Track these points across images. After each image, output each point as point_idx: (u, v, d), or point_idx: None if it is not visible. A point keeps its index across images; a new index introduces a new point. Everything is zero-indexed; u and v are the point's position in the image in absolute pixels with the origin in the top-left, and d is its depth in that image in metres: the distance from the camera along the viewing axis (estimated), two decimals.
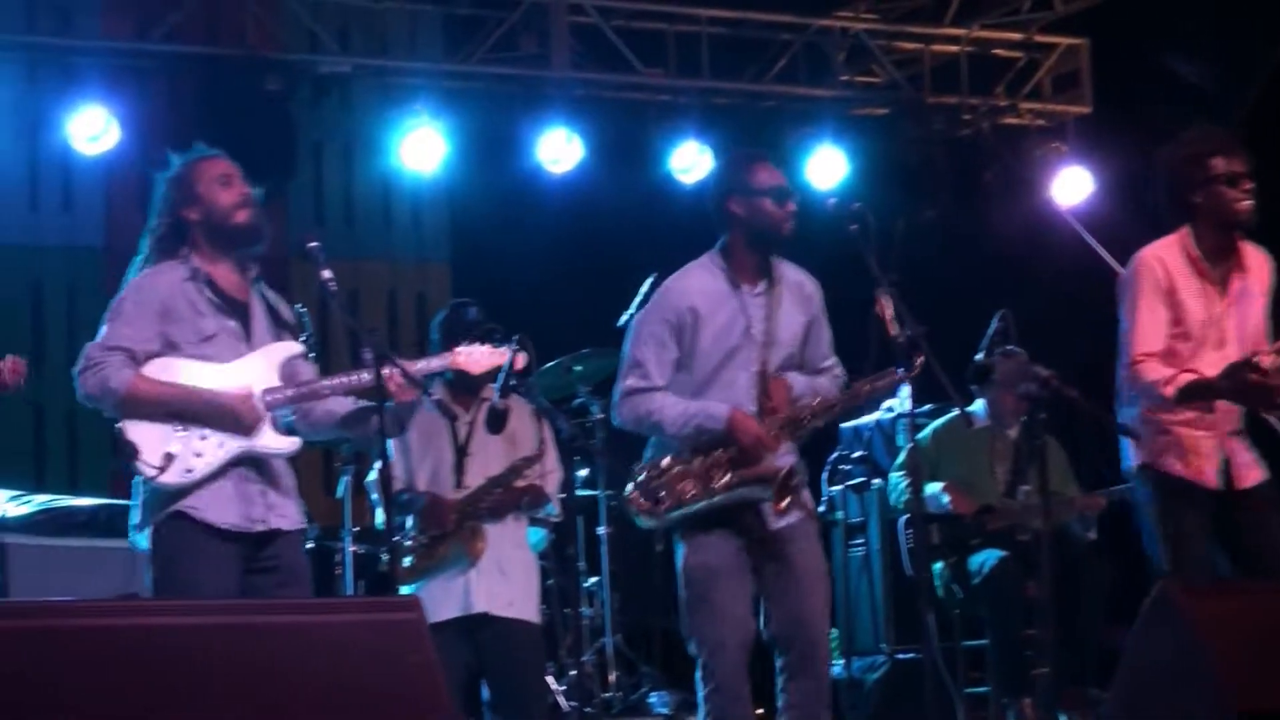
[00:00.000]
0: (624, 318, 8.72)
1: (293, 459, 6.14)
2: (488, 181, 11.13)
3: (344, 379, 6.05)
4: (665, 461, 6.40)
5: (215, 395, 5.91)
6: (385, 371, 5.92)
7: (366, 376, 5.96)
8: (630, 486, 6.44)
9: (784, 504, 6.33)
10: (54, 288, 10.56)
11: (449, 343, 7.37)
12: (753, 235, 6.46)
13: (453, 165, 10.87)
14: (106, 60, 10.42)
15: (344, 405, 6.17)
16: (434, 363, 6.24)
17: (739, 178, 6.52)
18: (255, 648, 4.48)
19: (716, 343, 6.41)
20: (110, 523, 8.15)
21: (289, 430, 6.08)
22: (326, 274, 6.05)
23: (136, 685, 4.28)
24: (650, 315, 6.53)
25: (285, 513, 6.06)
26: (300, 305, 6.29)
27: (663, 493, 6.39)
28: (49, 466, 10.37)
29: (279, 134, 10.25)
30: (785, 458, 6.42)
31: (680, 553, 6.45)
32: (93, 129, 10.06)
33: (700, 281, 6.48)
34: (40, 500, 8.27)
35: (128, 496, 6.66)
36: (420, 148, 10.74)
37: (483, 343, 6.37)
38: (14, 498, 8.25)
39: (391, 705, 4.50)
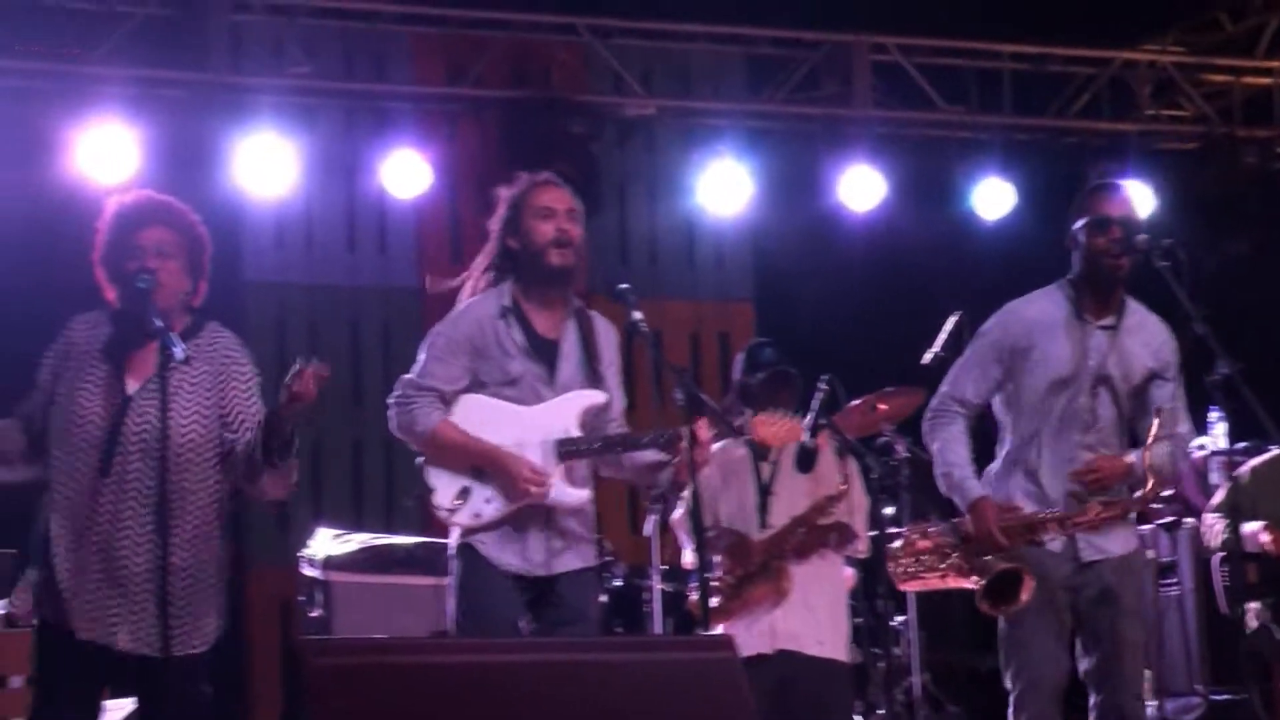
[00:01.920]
0: (928, 355, 8.70)
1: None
2: (790, 220, 11.17)
3: (640, 436, 6.12)
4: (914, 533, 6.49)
5: (506, 463, 6.01)
6: (686, 433, 5.98)
7: (661, 432, 6.03)
8: (891, 551, 6.55)
9: (996, 608, 6.30)
10: (371, 327, 10.80)
11: (747, 383, 7.42)
12: (1084, 266, 6.43)
13: (755, 204, 10.96)
14: (418, 105, 10.70)
15: (642, 456, 6.24)
16: (736, 425, 6.30)
17: (1077, 206, 6.49)
18: (571, 685, 4.54)
19: (1046, 370, 6.37)
20: (426, 560, 8.30)
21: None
22: (637, 315, 6.09)
23: (474, 718, 4.38)
24: (982, 336, 6.54)
25: (567, 558, 6.12)
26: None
27: (909, 568, 6.50)
28: (366, 503, 10.58)
29: (584, 175, 10.37)
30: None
31: None
32: (405, 173, 10.35)
33: (1040, 309, 6.45)
34: (361, 539, 8.44)
35: (440, 533, 6.78)
36: (723, 187, 10.85)
37: (779, 404, 6.44)
38: (337, 536, 8.44)
39: None
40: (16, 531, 5.83)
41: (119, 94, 9.77)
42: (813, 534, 7.35)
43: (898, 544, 6.66)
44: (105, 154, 9.60)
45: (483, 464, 6.05)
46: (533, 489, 5.99)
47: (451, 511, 6.04)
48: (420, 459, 6.17)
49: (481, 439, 6.06)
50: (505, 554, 6.03)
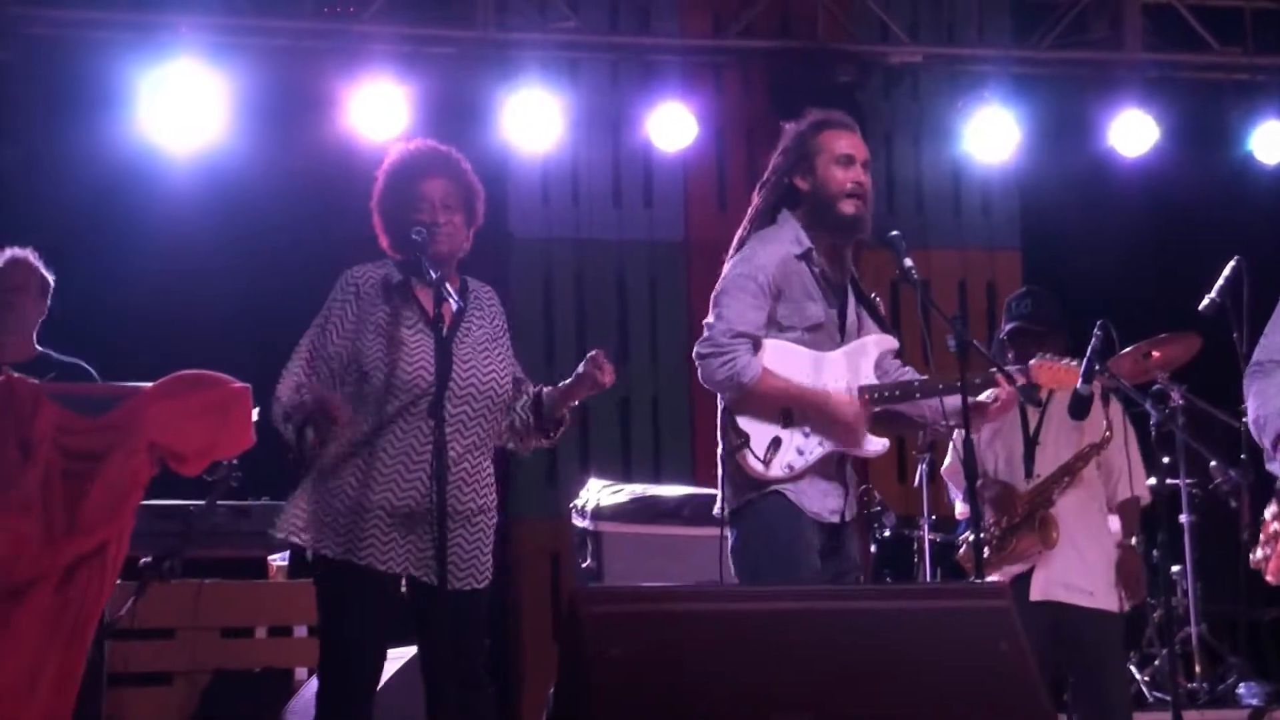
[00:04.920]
0: (1205, 301, 8.53)
1: None
2: (1058, 166, 11.01)
3: (938, 383, 6.04)
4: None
5: (830, 404, 5.92)
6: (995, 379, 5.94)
7: (956, 384, 5.94)
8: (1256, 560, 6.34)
9: None
10: (637, 281, 10.85)
11: (1014, 333, 7.33)
12: None
13: (1023, 150, 10.83)
14: (684, 57, 10.73)
15: (928, 404, 6.17)
16: (1013, 372, 6.21)
17: None
18: (848, 632, 4.55)
19: None
20: (694, 513, 8.33)
21: None
22: (908, 262, 6.01)
23: (749, 665, 4.41)
24: None
25: (851, 506, 6.09)
26: (874, 295, 6.31)
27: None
28: (635, 456, 10.65)
29: None
30: None
31: None
32: (671, 126, 10.38)
33: None
34: (631, 490, 8.48)
35: (709, 484, 6.77)
36: (990, 134, 10.74)
37: (1061, 355, 6.33)
38: (607, 487, 8.49)
39: (984, 691, 4.50)
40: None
41: (389, 52, 9.94)
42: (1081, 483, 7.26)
43: (1261, 549, 6.42)
44: (376, 111, 9.77)
45: (808, 409, 5.92)
46: (858, 431, 5.91)
47: (766, 464, 5.91)
48: (732, 413, 5.99)
49: (804, 384, 5.93)
50: (812, 500, 5.93)
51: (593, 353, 5.72)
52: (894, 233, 6.06)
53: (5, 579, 5.72)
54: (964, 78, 11.08)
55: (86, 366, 7.37)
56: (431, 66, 10.08)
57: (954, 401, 6.00)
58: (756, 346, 5.93)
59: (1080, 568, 7.19)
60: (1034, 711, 4.51)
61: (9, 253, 7.57)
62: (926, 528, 8.85)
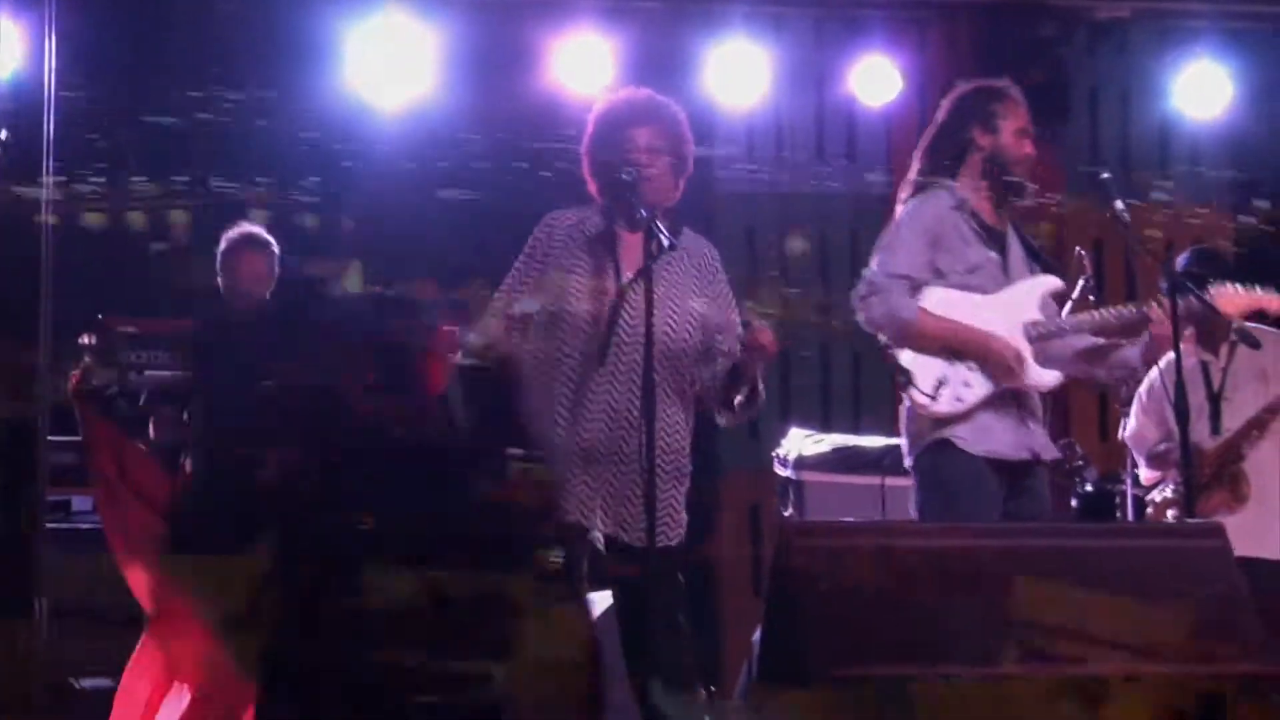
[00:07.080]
0: None
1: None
2: (1275, 125, 10.81)
3: (1109, 313, 6.12)
4: None
5: (986, 341, 6.10)
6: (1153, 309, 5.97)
7: (1130, 311, 6.03)
8: None
9: None
10: (838, 235, 10.85)
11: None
12: None
13: (1236, 109, 10.63)
14: (888, 11, 10.66)
15: (1083, 341, 6.25)
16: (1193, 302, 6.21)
17: None
18: (1059, 569, 4.53)
19: None
20: (896, 463, 8.34)
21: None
22: (1120, 205, 6.10)
23: (955, 599, 4.41)
24: None
25: (1042, 442, 6.22)
26: (1079, 249, 6.38)
27: None
28: (834, 407, 10.66)
29: (1053, 80, 10.26)
30: None
31: None
32: (875, 80, 10.32)
33: None
34: (833, 439, 8.53)
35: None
36: (1201, 92, 10.55)
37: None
38: (809, 437, 8.54)
39: (1199, 632, 4.45)
40: None
41: (595, 5, 9.96)
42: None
43: None
44: (582, 64, 9.78)
45: (963, 346, 6.10)
46: (1015, 367, 6.04)
47: (932, 399, 6.07)
48: (893, 350, 6.20)
49: (960, 322, 6.10)
50: (983, 440, 6.09)
51: (749, 322, 5.72)
52: (1105, 175, 6.16)
53: None
54: (1174, 33, 10.89)
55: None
56: (636, 20, 10.09)
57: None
58: (914, 290, 6.14)
59: (1272, 523, 7.12)
60: (1253, 650, 4.45)
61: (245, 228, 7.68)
62: (1129, 482, 8.76)
